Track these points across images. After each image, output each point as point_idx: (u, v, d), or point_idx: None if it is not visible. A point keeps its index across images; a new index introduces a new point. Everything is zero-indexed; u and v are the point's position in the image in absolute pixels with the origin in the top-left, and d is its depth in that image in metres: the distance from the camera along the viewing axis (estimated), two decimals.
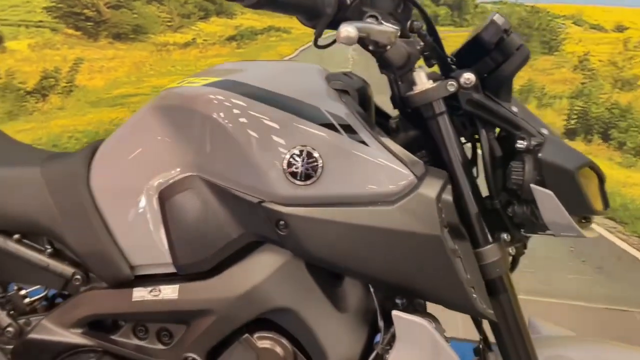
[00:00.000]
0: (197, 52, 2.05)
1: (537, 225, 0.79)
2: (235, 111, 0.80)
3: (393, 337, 0.77)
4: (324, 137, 0.74)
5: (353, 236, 0.76)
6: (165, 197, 0.87)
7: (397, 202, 0.74)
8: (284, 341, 0.84)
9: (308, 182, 0.77)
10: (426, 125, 0.79)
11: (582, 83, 1.99)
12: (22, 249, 0.99)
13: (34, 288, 1.05)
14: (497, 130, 0.81)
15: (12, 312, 1.00)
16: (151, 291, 0.92)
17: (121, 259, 0.92)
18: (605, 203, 0.78)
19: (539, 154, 0.74)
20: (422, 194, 0.72)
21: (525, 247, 0.84)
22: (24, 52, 2.17)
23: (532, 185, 0.74)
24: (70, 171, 0.97)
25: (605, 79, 1.96)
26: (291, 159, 0.77)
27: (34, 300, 1.02)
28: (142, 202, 0.90)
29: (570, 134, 2.06)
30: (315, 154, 0.74)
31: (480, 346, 0.88)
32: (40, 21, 2.12)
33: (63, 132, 2.31)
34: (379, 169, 0.75)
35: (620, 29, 1.88)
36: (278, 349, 0.85)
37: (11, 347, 0.99)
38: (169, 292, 0.91)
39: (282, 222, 0.78)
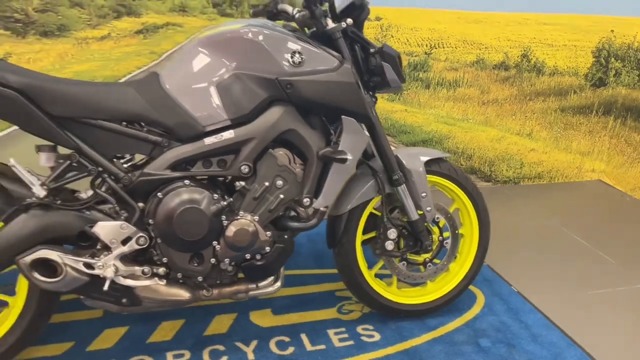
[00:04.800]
0: (112, 43, 2.72)
1: (385, 84, 1.92)
2: (264, 34, 1.73)
3: (340, 132, 1.81)
4: (303, 46, 1.75)
5: (319, 87, 1.78)
6: (221, 86, 1.74)
7: (336, 70, 1.79)
8: (288, 150, 1.81)
9: (299, 65, 1.76)
10: (334, 45, 1.86)
11: None
12: (128, 130, 1.73)
13: (128, 158, 1.78)
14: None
15: (122, 168, 1.73)
16: (216, 137, 1.78)
17: (197, 123, 1.76)
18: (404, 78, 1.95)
19: (383, 49, 1.87)
20: (346, 66, 1.78)
21: (376, 100, 1.97)
22: None
23: (383, 63, 1.87)
24: (148, 83, 1.76)
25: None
26: (291, 56, 1.75)
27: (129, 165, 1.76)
28: (208, 91, 1.75)
29: None
30: (302, 53, 1.74)
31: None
32: None
33: None
34: (326, 58, 1.78)
35: (378, 19, 3.23)
36: (286, 153, 1.81)
37: (128, 187, 1.72)
38: (228, 135, 1.77)
39: (288, 85, 1.75)
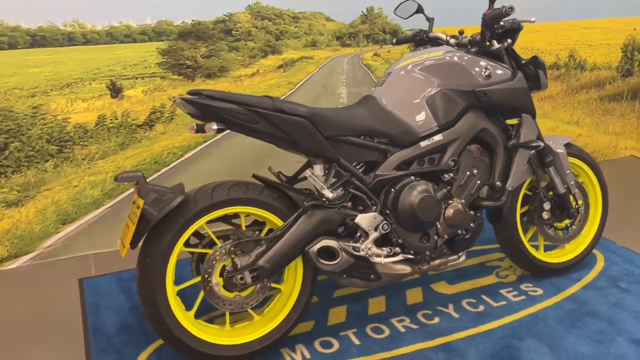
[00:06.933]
0: (260, 78, 3.18)
1: (536, 87, 2.46)
2: (459, 56, 2.26)
3: (519, 126, 2.34)
4: (491, 64, 2.28)
5: (505, 93, 2.29)
6: (430, 101, 2.25)
7: (513, 79, 2.32)
8: (480, 146, 2.33)
9: (489, 78, 2.28)
10: (500, 60, 2.39)
11: None
12: (365, 142, 2.20)
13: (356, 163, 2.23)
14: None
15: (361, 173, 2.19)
16: (429, 140, 2.28)
17: (414, 131, 2.25)
18: None
19: (538, 60, 2.41)
20: (520, 75, 2.32)
21: None
22: (138, 97, 2.92)
23: (539, 70, 2.41)
24: (370, 104, 2.25)
25: None
26: (484, 70, 2.28)
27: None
28: (420, 105, 2.25)
29: None
30: (489, 68, 2.27)
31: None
32: (153, 73, 2.92)
33: (163, 150, 3.09)
34: (503, 70, 2.32)
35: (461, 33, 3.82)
36: (477, 147, 2.32)
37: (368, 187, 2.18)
38: (438, 138, 2.26)
39: (482, 94, 2.27)
